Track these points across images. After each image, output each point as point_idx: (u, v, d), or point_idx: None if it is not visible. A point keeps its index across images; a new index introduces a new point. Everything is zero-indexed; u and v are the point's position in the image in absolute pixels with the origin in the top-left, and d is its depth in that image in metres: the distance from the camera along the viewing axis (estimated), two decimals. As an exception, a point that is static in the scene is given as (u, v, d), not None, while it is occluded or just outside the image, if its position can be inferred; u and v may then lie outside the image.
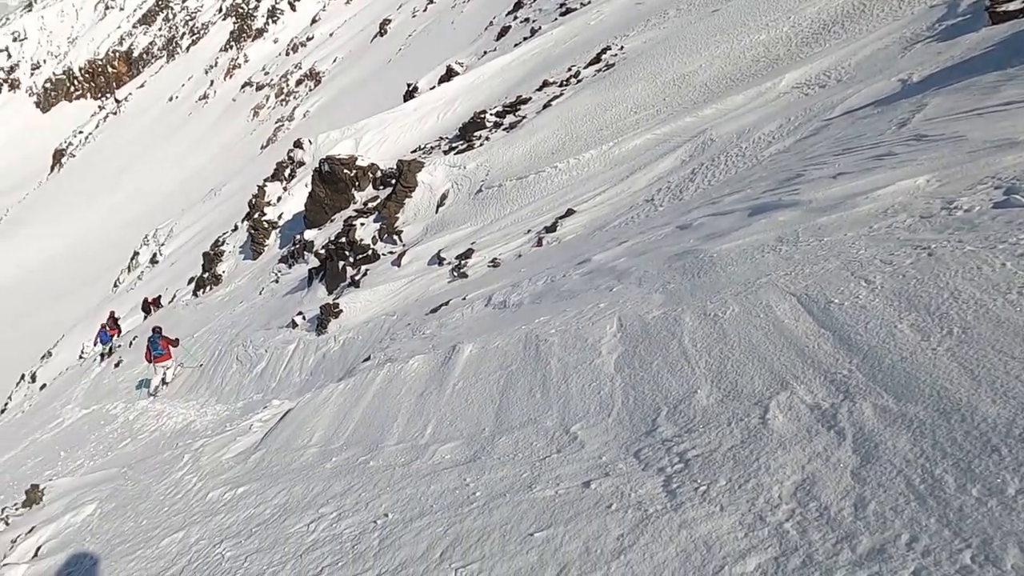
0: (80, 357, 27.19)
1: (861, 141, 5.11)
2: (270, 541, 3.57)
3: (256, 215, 24.12)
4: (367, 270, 11.99)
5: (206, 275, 24.50)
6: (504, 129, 14.37)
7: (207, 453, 6.14)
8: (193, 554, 3.98)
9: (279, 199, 24.68)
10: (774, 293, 3.03)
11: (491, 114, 15.76)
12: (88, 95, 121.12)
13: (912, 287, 2.51)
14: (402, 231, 12.69)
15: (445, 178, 13.13)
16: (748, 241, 3.99)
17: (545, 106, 13.80)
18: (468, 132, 15.77)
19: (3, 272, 67.07)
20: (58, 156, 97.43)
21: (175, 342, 13.79)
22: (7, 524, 6.97)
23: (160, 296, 27.62)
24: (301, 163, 25.80)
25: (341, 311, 10.57)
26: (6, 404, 29.57)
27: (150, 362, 13.53)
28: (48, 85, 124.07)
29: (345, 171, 18.19)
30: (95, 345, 23.37)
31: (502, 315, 6.03)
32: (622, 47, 14.65)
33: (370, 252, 12.81)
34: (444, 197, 12.73)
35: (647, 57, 12.42)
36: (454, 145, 15.93)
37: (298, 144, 26.41)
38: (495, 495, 2.84)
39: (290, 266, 18.26)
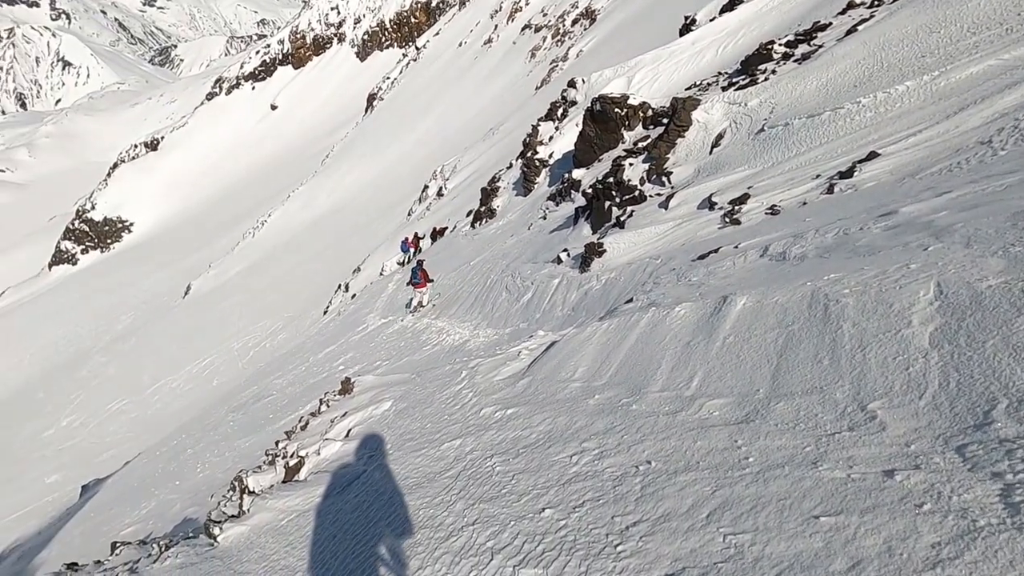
0: (380, 274, 31.79)
1: None
2: (535, 464, 3.79)
3: (529, 153, 25.31)
4: (633, 211, 11.87)
5: (483, 208, 26.60)
6: (795, 61, 12.85)
7: (481, 372, 6.75)
8: (468, 461, 4.42)
9: (551, 138, 25.53)
10: None
11: (780, 44, 14.18)
12: (395, 44, 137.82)
13: None
14: (672, 172, 12.25)
15: (723, 116, 12.26)
16: None
17: (849, 32, 11.96)
18: (751, 65, 14.43)
19: (329, 199, 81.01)
20: (371, 100, 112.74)
21: (431, 280, 17.19)
22: (328, 407, 8.54)
23: (445, 227, 30.87)
24: (573, 103, 26.25)
25: (604, 250, 10.68)
26: (327, 307, 36.09)
27: (411, 286, 16.95)
28: (365, 37, 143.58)
29: (616, 110, 18.03)
30: (400, 253, 29.30)
31: (780, 268, 5.50)
32: (961, -48, 11.95)
33: (637, 193, 12.64)
34: (720, 137, 11.92)
35: (997, -39, 9.96)
36: (734, 80, 14.73)
37: (571, 84, 26.80)
38: (772, 464, 2.62)
39: (557, 204, 18.95)
